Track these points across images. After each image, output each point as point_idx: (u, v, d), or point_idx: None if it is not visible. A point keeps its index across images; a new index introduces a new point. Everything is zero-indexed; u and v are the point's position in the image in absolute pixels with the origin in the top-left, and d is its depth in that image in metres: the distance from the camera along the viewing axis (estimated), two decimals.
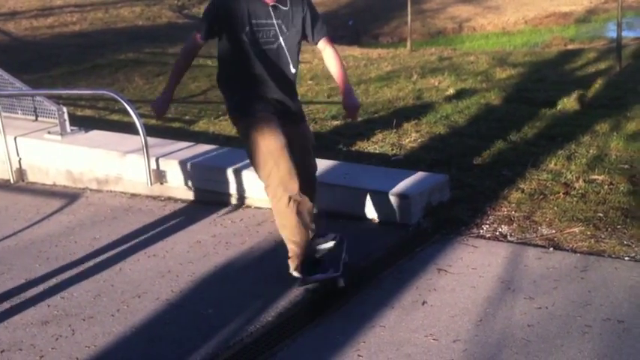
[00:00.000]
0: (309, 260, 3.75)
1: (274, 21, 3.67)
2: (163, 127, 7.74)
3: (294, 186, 3.62)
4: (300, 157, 3.79)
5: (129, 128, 7.08)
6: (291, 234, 3.71)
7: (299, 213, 3.67)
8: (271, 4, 3.66)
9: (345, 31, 22.01)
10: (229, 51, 3.78)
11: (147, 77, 10.79)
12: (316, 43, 3.84)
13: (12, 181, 6.40)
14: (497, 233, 4.23)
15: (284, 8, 3.69)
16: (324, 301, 3.63)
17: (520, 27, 20.41)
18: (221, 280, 4.02)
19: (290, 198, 3.63)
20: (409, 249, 4.13)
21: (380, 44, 19.97)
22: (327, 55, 3.85)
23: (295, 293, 3.71)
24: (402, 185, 4.63)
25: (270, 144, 3.62)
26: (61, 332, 3.55)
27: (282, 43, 3.70)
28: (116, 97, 5.65)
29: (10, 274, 4.35)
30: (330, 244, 3.91)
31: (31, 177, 6.39)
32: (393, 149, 6.18)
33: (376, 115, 7.62)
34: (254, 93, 3.76)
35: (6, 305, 3.90)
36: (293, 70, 3.79)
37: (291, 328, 3.38)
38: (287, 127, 3.73)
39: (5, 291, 4.09)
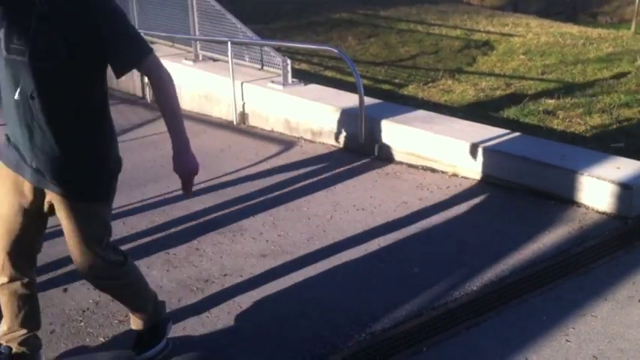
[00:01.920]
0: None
1: (31, 21, 2.33)
2: (373, 87, 7.93)
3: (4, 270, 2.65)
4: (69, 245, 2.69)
5: (341, 85, 7.36)
6: None
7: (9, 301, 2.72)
8: None
9: (561, 7, 20.90)
10: None
11: (359, 38, 11.01)
12: (119, 74, 2.48)
13: (235, 122, 6.92)
14: None
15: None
16: (529, 282, 3.58)
17: None
18: (426, 242, 4.10)
19: None
20: (627, 242, 3.93)
21: (598, 24, 18.70)
22: (153, 85, 2.56)
23: (502, 268, 3.71)
24: (623, 174, 4.39)
25: None
26: (277, 266, 3.84)
27: (31, 59, 2.33)
28: (340, 54, 5.88)
29: (233, 206, 4.75)
30: None
31: (252, 121, 6.86)
32: (612, 135, 5.85)
33: (594, 97, 7.22)
34: (8, 129, 2.54)
35: (229, 235, 4.28)
36: (59, 109, 2.42)
37: (496, 302, 3.39)
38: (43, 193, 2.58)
39: (230, 224, 4.48)
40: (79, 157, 2.52)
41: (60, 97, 2.41)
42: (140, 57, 2.48)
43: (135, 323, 3.00)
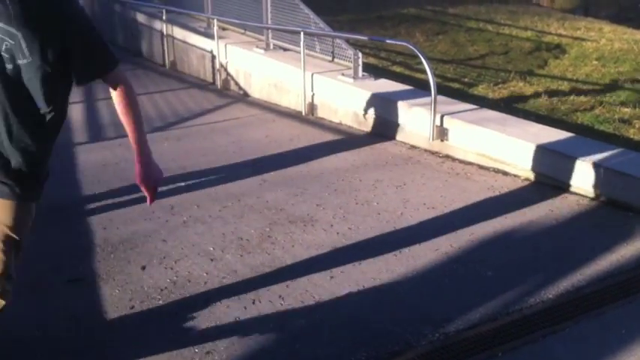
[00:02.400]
0: None
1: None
2: (442, 85, 7.85)
3: None
4: None
5: (410, 81, 7.32)
6: None
7: None
8: None
9: (634, 12, 20.31)
10: None
11: (427, 34, 10.92)
12: (82, 83, 2.45)
13: (304, 113, 6.96)
14: None
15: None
16: (608, 293, 3.51)
17: None
18: (499, 246, 4.06)
19: None
20: None
21: None
22: (120, 97, 2.49)
23: (578, 277, 3.64)
24: None
25: None
26: (349, 258, 3.86)
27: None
28: (416, 51, 5.84)
29: (303, 197, 4.79)
30: None
31: (321, 113, 6.89)
32: None
33: None
34: None
35: (300, 225, 4.31)
36: (25, 111, 2.37)
37: (573, 311, 3.33)
38: None
39: (301, 214, 4.52)
40: (35, 159, 2.45)
41: (26, 99, 2.35)
42: (108, 68, 2.44)
43: None
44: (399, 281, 3.64)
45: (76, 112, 7.27)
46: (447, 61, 9.28)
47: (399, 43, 6.43)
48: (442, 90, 7.23)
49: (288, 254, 3.91)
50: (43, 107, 2.37)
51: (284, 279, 3.63)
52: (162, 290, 3.48)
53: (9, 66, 2.29)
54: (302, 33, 6.99)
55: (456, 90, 7.66)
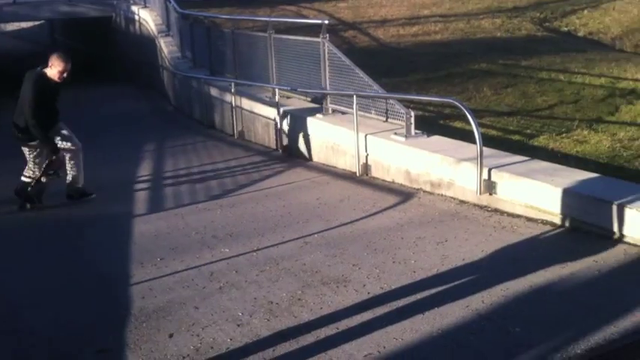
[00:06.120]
0: None
1: None
2: (502, 138, 7.73)
3: None
4: None
5: (469, 137, 7.24)
6: None
7: None
8: None
9: None
10: None
11: (495, 88, 10.79)
12: None
13: (358, 174, 7.02)
14: None
15: None
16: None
17: None
18: (534, 300, 3.91)
19: None
20: None
21: None
22: None
23: (612, 331, 3.44)
24: None
25: None
26: (375, 319, 3.82)
27: None
28: (459, 105, 5.82)
29: (342, 257, 4.80)
30: None
31: (374, 172, 6.93)
32: None
33: None
34: None
35: (333, 286, 4.32)
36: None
37: None
38: None
39: (335, 275, 4.53)
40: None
41: None
42: None
43: None
44: (422, 341, 3.56)
45: (141, 186, 7.66)
46: (513, 114, 9.12)
47: (444, 100, 6.42)
48: (502, 143, 7.12)
49: (315, 317, 3.91)
50: None
51: (305, 342, 3.63)
52: (184, 358, 3.55)
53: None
54: (354, 96, 7.13)
55: (516, 142, 7.51)
